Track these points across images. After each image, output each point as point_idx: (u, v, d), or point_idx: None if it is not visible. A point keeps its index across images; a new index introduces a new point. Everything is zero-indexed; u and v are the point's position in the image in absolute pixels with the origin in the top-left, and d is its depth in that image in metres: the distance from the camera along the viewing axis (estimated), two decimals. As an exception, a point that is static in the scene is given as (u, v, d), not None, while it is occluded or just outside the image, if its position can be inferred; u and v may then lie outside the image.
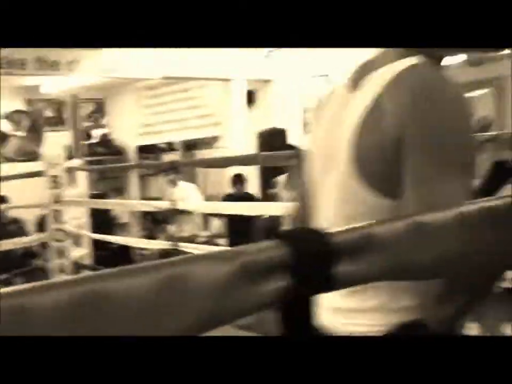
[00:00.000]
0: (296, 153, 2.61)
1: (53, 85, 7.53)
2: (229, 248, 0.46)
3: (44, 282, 0.38)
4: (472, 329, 3.69)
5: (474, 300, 0.85)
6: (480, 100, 5.67)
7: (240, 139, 6.90)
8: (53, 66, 5.92)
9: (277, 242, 0.45)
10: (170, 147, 8.34)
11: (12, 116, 6.93)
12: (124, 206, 6.93)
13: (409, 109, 0.93)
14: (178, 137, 8.02)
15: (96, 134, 8.43)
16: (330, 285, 0.47)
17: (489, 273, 0.75)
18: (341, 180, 1.01)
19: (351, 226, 0.51)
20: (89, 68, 6.14)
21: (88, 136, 8.19)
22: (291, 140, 6.00)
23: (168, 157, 8.08)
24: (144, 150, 8.32)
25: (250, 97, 7.26)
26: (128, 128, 8.53)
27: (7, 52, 5.43)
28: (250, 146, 6.42)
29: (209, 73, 6.79)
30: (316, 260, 0.45)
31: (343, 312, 1.02)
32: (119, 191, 8.10)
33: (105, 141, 8.40)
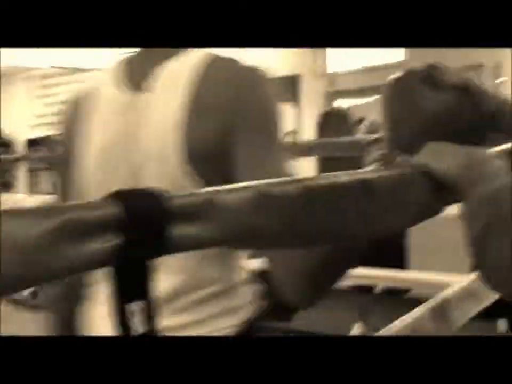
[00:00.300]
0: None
1: None
2: (52, 204, 0.44)
3: None
4: (356, 328, 3.85)
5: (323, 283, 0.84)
6: (371, 106, 5.92)
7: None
8: None
9: (106, 201, 0.44)
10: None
11: None
12: (12, 202, 6.62)
13: (233, 99, 0.98)
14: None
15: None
16: (164, 247, 0.46)
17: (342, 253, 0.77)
18: (168, 178, 1.00)
19: (193, 191, 0.51)
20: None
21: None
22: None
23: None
24: (36, 143, 7.99)
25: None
26: (18, 119, 8.15)
27: None
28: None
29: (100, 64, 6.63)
30: (147, 219, 0.45)
31: (178, 330, 1.00)
32: (6, 186, 7.72)
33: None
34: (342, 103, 6.50)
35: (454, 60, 4.78)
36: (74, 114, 1.16)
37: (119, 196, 0.45)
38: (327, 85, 6.38)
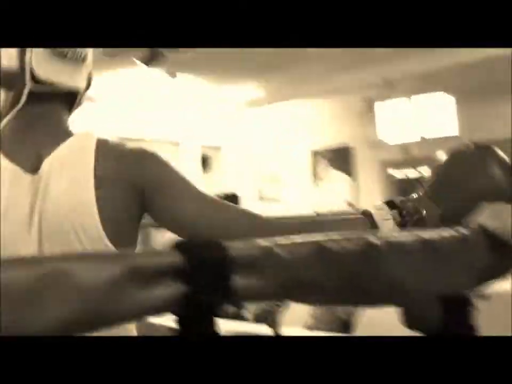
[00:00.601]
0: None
1: None
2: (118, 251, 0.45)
3: None
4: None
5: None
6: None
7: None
8: None
9: (170, 249, 0.45)
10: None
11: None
12: None
13: (135, 170, 1.12)
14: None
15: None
16: (228, 297, 0.47)
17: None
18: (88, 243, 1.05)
19: (251, 240, 0.52)
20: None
21: None
22: (244, 204, 6.06)
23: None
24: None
25: (205, 162, 7.35)
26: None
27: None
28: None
29: (161, 135, 6.85)
30: (211, 267, 0.45)
31: None
32: None
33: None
34: (395, 173, 6.49)
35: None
36: None
37: (183, 246, 0.46)
38: (381, 154, 6.39)
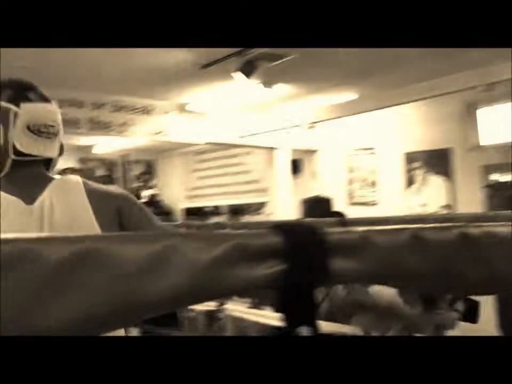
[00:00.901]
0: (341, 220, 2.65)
1: (105, 145, 7.82)
2: (224, 230, 0.48)
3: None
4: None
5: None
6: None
7: (285, 206, 6.97)
8: (106, 127, 6.16)
9: (272, 231, 0.48)
10: (217, 211, 8.46)
11: (65, 173, 7.18)
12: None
13: (116, 198, 1.56)
14: (224, 201, 8.15)
15: (145, 194, 8.64)
16: (325, 277, 0.49)
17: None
18: None
19: (348, 228, 0.54)
20: (140, 131, 6.36)
21: (138, 197, 8.39)
22: (336, 208, 6.03)
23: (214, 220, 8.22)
24: (192, 212, 8.46)
25: (296, 166, 7.39)
26: (176, 190, 8.72)
27: (63, 112, 5.71)
28: (294, 213, 6.46)
29: (255, 141, 6.97)
30: (311, 249, 0.48)
31: None
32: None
33: (154, 202, 8.58)
34: (495, 177, 6.24)
35: None
36: None
37: (285, 228, 0.49)
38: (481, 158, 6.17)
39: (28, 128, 1.42)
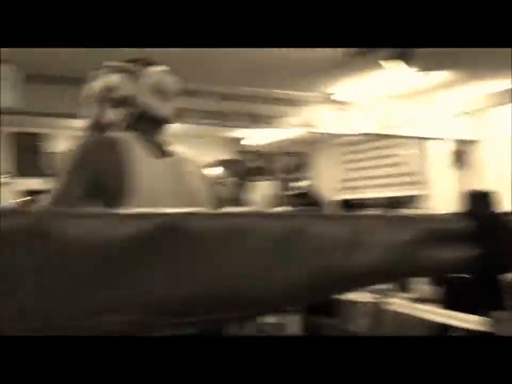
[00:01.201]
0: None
1: (259, 138, 8.05)
2: (414, 213, 0.49)
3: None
4: None
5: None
6: None
7: (446, 199, 6.71)
8: (260, 119, 6.33)
9: (459, 215, 0.47)
10: (375, 203, 8.36)
11: (222, 164, 7.50)
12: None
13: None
14: (378, 193, 8.04)
15: (297, 185, 8.76)
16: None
17: None
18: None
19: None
20: (293, 122, 6.45)
21: (289, 188, 8.53)
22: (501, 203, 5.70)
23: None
24: (348, 205, 8.46)
25: (457, 157, 7.07)
26: (328, 182, 8.75)
27: (220, 106, 5.95)
28: (454, 207, 6.19)
29: (408, 132, 6.77)
30: (503, 234, 0.46)
31: None
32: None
33: (305, 193, 8.68)
34: None
35: None
36: (111, 158, 1.63)
37: (472, 213, 0.48)
38: None
39: (153, 87, 1.76)
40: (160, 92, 1.77)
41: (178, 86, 1.82)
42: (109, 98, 1.75)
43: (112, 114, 1.75)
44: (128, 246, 0.44)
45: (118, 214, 0.49)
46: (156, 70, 1.79)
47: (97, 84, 1.77)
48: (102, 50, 2.06)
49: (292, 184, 8.66)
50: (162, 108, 1.78)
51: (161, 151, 1.77)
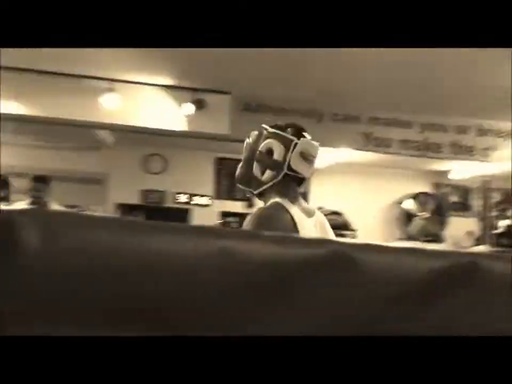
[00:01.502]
0: None
1: (462, 171, 7.64)
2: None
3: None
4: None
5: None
6: None
7: None
8: (467, 152, 6.02)
9: None
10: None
11: (419, 197, 7.26)
12: None
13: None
14: None
15: (502, 224, 8.13)
16: None
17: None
18: None
19: None
20: (502, 156, 6.04)
21: (494, 226, 7.97)
22: None
23: None
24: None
25: None
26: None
27: (424, 136, 5.76)
28: None
29: None
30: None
31: None
32: None
33: (509, 232, 8.02)
34: None
35: None
36: (285, 217, 1.97)
37: None
38: None
39: (301, 154, 2.03)
40: (307, 157, 2.04)
41: (318, 151, 2.09)
42: (265, 160, 2.04)
43: (265, 174, 2.04)
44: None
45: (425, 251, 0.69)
46: (307, 140, 2.05)
47: (260, 146, 2.08)
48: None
49: (495, 222, 8.07)
50: (307, 171, 2.06)
51: (306, 211, 2.04)
